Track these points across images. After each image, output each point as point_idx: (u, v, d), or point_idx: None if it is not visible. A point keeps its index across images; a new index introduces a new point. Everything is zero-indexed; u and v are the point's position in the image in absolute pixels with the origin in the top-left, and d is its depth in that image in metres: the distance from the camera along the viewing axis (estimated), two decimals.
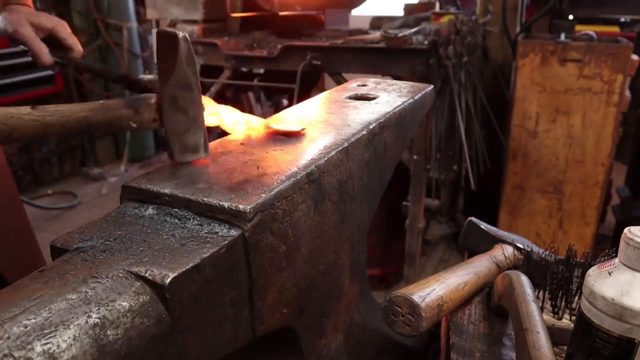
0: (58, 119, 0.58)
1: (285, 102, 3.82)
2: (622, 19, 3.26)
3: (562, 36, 2.39)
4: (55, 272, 0.45)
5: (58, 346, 0.37)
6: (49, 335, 0.37)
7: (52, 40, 0.88)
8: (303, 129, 0.75)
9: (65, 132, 0.59)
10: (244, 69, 2.78)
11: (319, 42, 2.23)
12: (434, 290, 0.70)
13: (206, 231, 0.52)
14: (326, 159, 0.66)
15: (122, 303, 0.42)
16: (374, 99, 0.95)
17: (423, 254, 2.91)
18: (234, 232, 0.51)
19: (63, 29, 0.89)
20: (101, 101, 0.62)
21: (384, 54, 2.08)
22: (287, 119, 0.81)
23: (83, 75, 4.10)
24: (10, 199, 0.99)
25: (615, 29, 3.14)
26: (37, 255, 1.04)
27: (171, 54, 0.60)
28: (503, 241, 0.94)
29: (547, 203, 2.52)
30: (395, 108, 0.89)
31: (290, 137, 0.73)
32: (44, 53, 0.86)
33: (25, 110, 0.56)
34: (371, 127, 0.79)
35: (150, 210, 0.56)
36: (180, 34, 0.60)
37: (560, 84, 2.33)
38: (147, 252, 0.48)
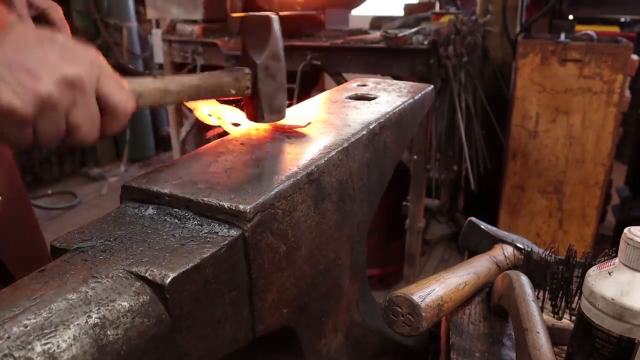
0: (176, 86, 0.63)
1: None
2: (622, 19, 3.26)
3: (562, 36, 2.40)
4: (55, 272, 0.45)
5: (58, 346, 0.37)
6: (49, 335, 0.37)
7: (41, 21, 0.87)
8: (309, 123, 0.79)
9: (180, 99, 0.65)
10: None
11: (319, 42, 2.23)
12: (434, 290, 0.70)
13: (206, 231, 0.52)
14: (326, 159, 0.66)
15: (122, 303, 0.42)
16: (374, 99, 0.95)
17: (423, 254, 2.91)
18: (234, 232, 0.51)
19: (56, 12, 0.87)
20: (207, 72, 0.69)
21: (384, 54, 2.09)
22: (289, 117, 0.81)
23: None
24: (18, 194, 0.99)
25: (615, 29, 3.14)
26: (43, 249, 1.04)
27: (264, 31, 0.73)
28: (503, 241, 0.94)
29: (547, 203, 2.52)
30: (395, 108, 0.89)
31: (295, 133, 0.76)
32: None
33: (149, 78, 0.61)
34: (371, 127, 0.79)
35: (150, 210, 0.56)
36: (273, 16, 0.73)
37: (560, 84, 2.33)
38: (147, 252, 0.48)
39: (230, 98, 0.73)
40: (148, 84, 0.60)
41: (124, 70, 0.85)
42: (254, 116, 0.75)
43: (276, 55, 0.74)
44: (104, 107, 0.53)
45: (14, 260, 0.87)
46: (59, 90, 0.48)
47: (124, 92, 0.55)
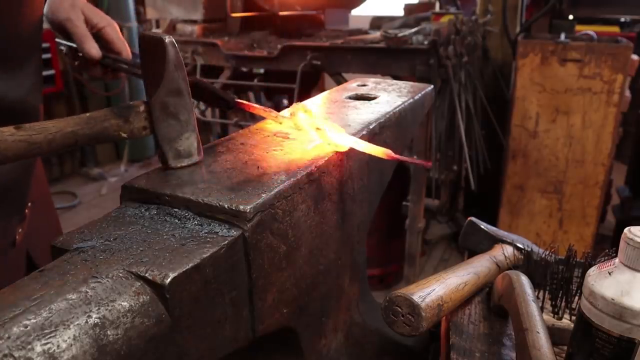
0: (45, 136, 0.55)
1: (285, 102, 3.82)
2: (622, 19, 3.26)
3: (562, 36, 2.40)
4: (55, 272, 0.45)
5: (58, 346, 0.37)
6: (49, 335, 0.37)
7: (99, 39, 0.84)
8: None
9: (52, 150, 0.56)
10: (244, 69, 2.78)
11: (319, 42, 2.23)
12: (434, 290, 0.70)
13: (206, 231, 0.52)
14: (326, 159, 0.66)
15: (122, 303, 0.42)
16: (374, 99, 0.95)
17: (423, 254, 2.91)
18: (234, 232, 0.51)
19: (113, 31, 0.85)
20: (87, 114, 0.59)
21: (384, 54, 2.09)
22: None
23: (83, 75, 4.09)
24: (45, 199, 1.01)
25: (615, 29, 3.14)
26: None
27: (158, 59, 0.59)
28: (503, 241, 0.94)
29: (547, 203, 2.52)
30: (395, 108, 0.89)
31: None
32: (94, 47, 0.81)
33: (8, 130, 0.52)
34: (371, 127, 0.79)
35: (150, 210, 0.56)
36: (167, 39, 0.58)
37: (560, 84, 2.33)
38: (147, 252, 0.48)
39: (120, 140, 0.64)
40: (7, 139, 0.52)
41: (103, 65, 0.81)
42: (160, 161, 0.64)
43: (176, 90, 0.60)
44: None
45: (42, 258, 0.89)
46: None
47: None
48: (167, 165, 0.63)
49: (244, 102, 0.75)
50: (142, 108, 0.62)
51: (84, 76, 4.08)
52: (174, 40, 0.59)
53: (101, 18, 0.85)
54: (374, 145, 0.67)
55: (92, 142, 0.59)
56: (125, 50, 0.86)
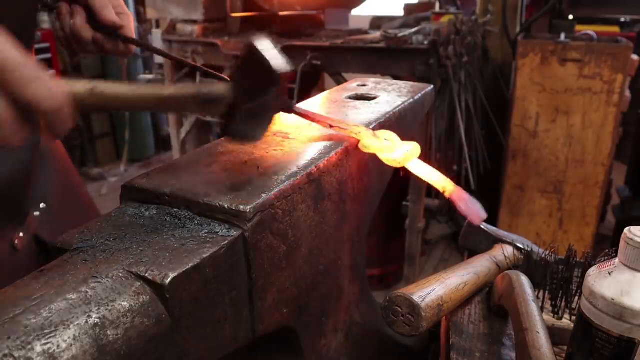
0: (132, 93, 0.54)
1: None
2: (622, 19, 3.26)
3: (562, 36, 2.40)
4: (55, 272, 0.45)
5: (58, 346, 0.37)
6: (49, 335, 0.37)
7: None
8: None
9: (129, 109, 0.58)
10: None
11: (319, 42, 2.23)
12: (434, 290, 0.70)
13: (206, 231, 0.52)
14: (326, 159, 0.66)
15: (122, 303, 0.42)
16: (374, 98, 0.95)
17: (423, 254, 2.91)
18: (234, 232, 0.51)
19: (127, 20, 0.82)
20: (175, 88, 0.58)
21: (384, 54, 2.09)
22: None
23: (82, 71, 4.09)
24: (71, 186, 0.99)
25: (615, 29, 3.14)
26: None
27: (266, 80, 0.58)
28: (503, 241, 0.94)
29: (547, 203, 2.52)
30: (395, 108, 0.89)
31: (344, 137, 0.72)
32: (112, 13, 0.79)
33: (86, 82, 0.52)
34: (371, 127, 0.79)
35: (150, 210, 0.56)
36: (283, 68, 0.57)
37: (560, 84, 2.33)
38: (147, 252, 0.48)
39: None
40: (81, 87, 0.51)
41: (115, 35, 0.78)
42: (229, 137, 0.64)
43: (266, 104, 0.60)
44: (22, 105, 0.44)
45: None
46: None
47: (42, 88, 0.45)
48: (236, 135, 0.63)
49: (304, 112, 0.70)
50: (224, 103, 0.59)
51: (82, 71, 4.07)
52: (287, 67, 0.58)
53: (122, 6, 0.83)
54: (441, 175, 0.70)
55: (171, 111, 0.60)
56: (130, 27, 0.84)
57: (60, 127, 0.47)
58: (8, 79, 0.43)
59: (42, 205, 0.88)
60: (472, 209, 0.70)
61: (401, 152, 0.71)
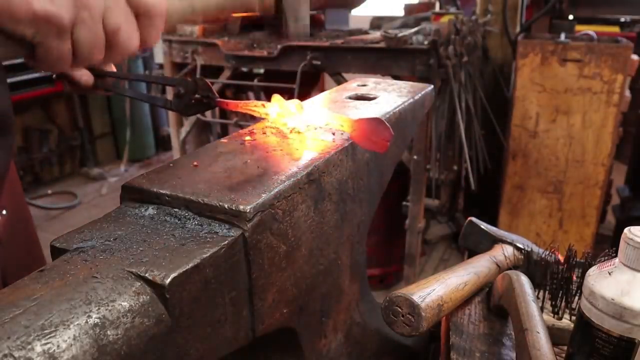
0: (202, 2, 0.61)
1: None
2: (622, 19, 3.26)
3: (562, 36, 2.40)
4: (55, 272, 0.45)
5: (58, 346, 0.37)
6: (49, 335, 0.37)
7: None
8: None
9: (205, 16, 0.63)
10: (244, 69, 2.78)
11: (319, 42, 2.23)
12: (434, 290, 0.70)
13: (206, 231, 0.52)
14: (326, 159, 0.66)
15: (122, 303, 0.42)
16: (374, 99, 0.95)
17: (423, 254, 2.91)
18: (234, 232, 0.51)
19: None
20: None
21: (384, 54, 2.08)
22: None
23: None
24: (19, 205, 1.01)
25: (615, 29, 3.14)
26: (41, 257, 1.06)
27: None
28: (503, 241, 0.94)
29: (547, 203, 2.53)
30: (395, 108, 0.89)
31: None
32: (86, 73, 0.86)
33: None
34: None
35: (150, 210, 0.56)
36: None
37: (560, 84, 2.33)
38: (147, 252, 0.48)
39: (251, 14, 0.68)
40: (174, 3, 0.60)
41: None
42: (280, 34, 0.71)
43: None
44: (138, 9, 0.52)
45: (16, 265, 0.89)
46: None
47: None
48: (287, 34, 0.67)
49: (225, 100, 0.74)
50: None
51: None
52: None
53: None
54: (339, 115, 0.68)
55: (235, 10, 0.64)
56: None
57: (158, 31, 0.56)
58: None
59: (4, 212, 0.90)
60: (377, 140, 0.65)
61: (291, 108, 0.71)
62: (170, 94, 0.73)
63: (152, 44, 0.56)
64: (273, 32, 2.62)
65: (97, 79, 0.84)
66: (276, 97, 0.70)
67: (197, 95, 0.71)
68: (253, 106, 0.70)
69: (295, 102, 0.70)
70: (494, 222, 2.59)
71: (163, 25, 0.56)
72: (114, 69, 0.86)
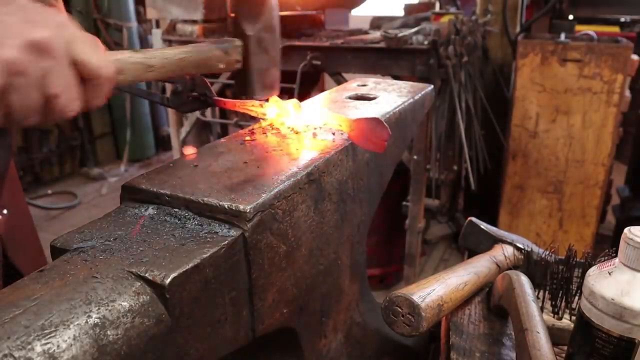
0: (159, 61, 0.59)
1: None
2: (622, 19, 3.25)
3: (562, 36, 2.39)
4: (55, 272, 0.45)
5: (58, 346, 0.37)
6: (49, 335, 0.37)
7: None
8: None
9: (163, 75, 0.60)
10: None
11: (319, 42, 2.23)
12: (434, 290, 0.70)
13: (206, 231, 0.52)
14: (326, 159, 0.66)
15: (122, 303, 0.42)
16: (374, 99, 0.95)
17: (423, 254, 2.91)
18: (234, 232, 0.51)
19: None
20: (193, 44, 0.64)
21: (384, 54, 2.08)
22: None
23: None
24: (19, 205, 1.02)
25: (615, 29, 3.13)
26: (41, 253, 1.07)
27: (257, 1, 0.68)
28: (503, 241, 0.94)
29: (547, 203, 2.52)
30: (395, 108, 0.89)
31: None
32: None
33: (128, 53, 0.57)
34: None
35: (150, 210, 0.56)
36: None
37: (560, 84, 2.33)
38: (147, 252, 0.48)
39: (217, 72, 0.70)
40: (127, 59, 0.56)
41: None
42: (245, 92, 0.72)
43: (270, 27, 0.70)
44: (82, 73, 0.49)
45: (22, 263, 0.91)
46: (25, 56, 0.44)
47: (102, 57, 0.50)
48: (253, 95, 0.70)
49: (222, 99, 0.75)
50: (238, 43, 0.68)
51: None
52: None
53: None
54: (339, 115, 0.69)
55: (195, 70, 0.64)
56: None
57: (105, 97, 0.53)
58: (78, 49, 0.48)
59: (4, 211, 0.91)
60: (374, 140, 0.64)
61: (289, 108, 0.74)
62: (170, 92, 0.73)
63: (97, 105, 0.53)
64: None
65: None
66: (274, 99, 0.71)
67: (194, 93, 0.72)
68: (250, 105, 0.71)
69: (293, 101, 0.70)
70: (494, 222, 2.59)
71: (110, 88, 0.52)
72: None
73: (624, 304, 0.53)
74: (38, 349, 0.36)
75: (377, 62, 2.11)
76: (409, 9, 3.22)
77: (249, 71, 0.70)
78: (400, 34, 2.01)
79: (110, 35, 4.17)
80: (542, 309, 0.74)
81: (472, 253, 0.95)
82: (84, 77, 0.49)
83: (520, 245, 0.93)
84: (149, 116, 4.74)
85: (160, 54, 0.59)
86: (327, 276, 0.72)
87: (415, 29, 2.09)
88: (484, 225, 0.98)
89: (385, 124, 0.62)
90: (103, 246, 0.49)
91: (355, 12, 3.20)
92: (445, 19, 2.40)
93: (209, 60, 0.65)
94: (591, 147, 2.36)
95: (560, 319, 0.78)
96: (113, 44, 4.17)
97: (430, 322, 0.67)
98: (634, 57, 2.33)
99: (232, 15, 0.71)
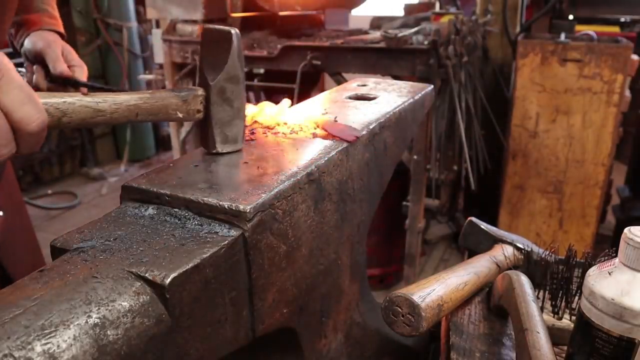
0: (110, 105, 0.57)
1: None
2: (622, 19, 3.25)
3: (562, 36, 2.39)
4: (55, 272, 0.45)
5: (58, 346, 0.37)
6: (49, 335, 0.37)
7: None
8: (357, 138, 0.74)
9: (114, 120, 0.58)
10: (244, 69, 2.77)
11: (319, 42, 2.23)
12: (434, 290, 0.70)
13: (206, 231, 0.52)
14: (326, 159, 0.66)
15: (122, 303, 0.42)
16: (374, 99, 0.95)
17: (423, 254, 2.91)
18: (234, 232, 0.51)
19: (80, 72, 0.91)
20: (150, 91, 0.62)
21: (384, 54, 2.08)
22: (335, 123, 0.79)
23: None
24: (17, 207, 1.02)
25: (615, 29, 3.13)
26: (39, 255, 1.07)
27: (222, 48, 0.64)
28: (503, 241, 0.94)
29: (547, 203, 2.52)
30: (395, 108, 0.89)
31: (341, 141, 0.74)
32: (65, 67, 0.87)
33: (76, 95, 0.56)
34: (371, 127, 0.79)
35: (150, 210, 0.56)
36: (233, 31, 0.64)
37: (560, 84, 2.33)
38: (147, 252, 0.48)
39: (176, 121, 0.68)
40: (75, 102, 0.55)
41: (66, 83, 0.85)
42: (204, 144, 0.68)
43: (234, 77, 0.65)
44: (11, 123, 0.49)
45: (16, 266, 0.91)
46: None
47: (30, 107, 0.49)
48: (213, 149, 0.67)
49: None
50: (200, 92, 0.65)
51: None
52: (238, 32, 0.65)
53: (76, 60, 0.91)
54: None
55: (150, 118, 0.62)
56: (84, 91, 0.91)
57: (36, 145, 0.53)
58: (6, 100, 0.48)
59: (1, 213, 0.91)
60: (345, 132, 0.71)
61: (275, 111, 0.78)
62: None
63: (31, 151, 0.53)
64: (273, 32, 2.63)
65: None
66: (264, 103, 0.72)
67: None
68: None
69: (285, 102, 0.72)
70: (494, 222, 2.59)
71: (42, 137, 0.52)
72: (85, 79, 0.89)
73: (624, 304, 0.53)
74: (38, 349, 0.36)
75: (377, 62, 2.11)
76: (409, 9, 3.22)
77: (209, 123, 0.65)
78: (400, 34, 2.01)
79: (110, 35, 4.17)
80: (542, 309, 0.74)
81: (472, 253, 0.95)
82: (14, 126, 0.49)
83: (520, 245, 0.93)
84: None
85: (112, 99, 0.58)
86: (327, 276, 0.72)
87: (415, 29, 2.09)
88: (484, 225, 0.98)
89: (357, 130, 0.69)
90: (103, 246, 0.49)
91: (355, 12, 3.20)
92: (445, 19, 2.40)
93: (166, 108, 0.62)
94: (591, 147, 2.36)
95: (560, 319, 0.78)
96: (113, 44, 4.17)
97: (430, 322, 0.67)
98: (634, 57, 2.33)
99: (199, 63, 0.67)
